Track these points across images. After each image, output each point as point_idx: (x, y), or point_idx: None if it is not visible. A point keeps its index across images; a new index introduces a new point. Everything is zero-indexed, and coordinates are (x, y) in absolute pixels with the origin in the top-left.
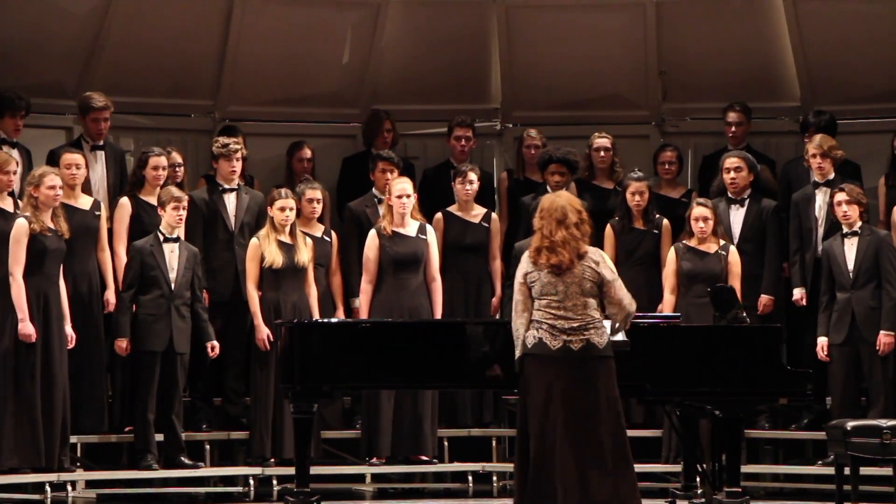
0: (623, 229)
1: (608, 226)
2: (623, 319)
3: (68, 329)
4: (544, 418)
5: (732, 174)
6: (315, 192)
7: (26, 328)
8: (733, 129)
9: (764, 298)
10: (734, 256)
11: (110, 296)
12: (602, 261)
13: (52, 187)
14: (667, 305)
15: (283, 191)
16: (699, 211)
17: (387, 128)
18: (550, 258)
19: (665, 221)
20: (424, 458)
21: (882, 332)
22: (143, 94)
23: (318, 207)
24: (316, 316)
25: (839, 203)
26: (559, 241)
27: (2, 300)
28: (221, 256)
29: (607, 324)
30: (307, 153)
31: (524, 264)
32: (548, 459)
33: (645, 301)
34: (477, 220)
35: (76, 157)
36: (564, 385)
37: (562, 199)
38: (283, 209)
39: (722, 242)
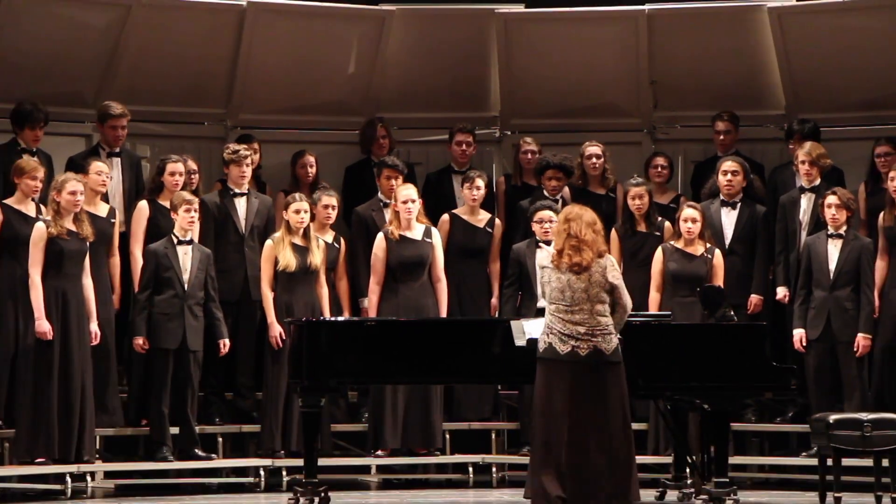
0: (626, 233)
1: (612, 230)
2: (620, 321)
3: (93, 327)
4: (555, 420)
5: (729, 177)
6: (331, 199)
7: (42, 326)
8: (721, 137)
9: (754, 298)
10: (718, 259)
11: (115, 298)
12: (611, 265)
13: (73, 192)
14: (652, 303)
15: (297, 195)
16: (688, 213)
17: (381, 134)
18: (573, 257)
19: (667, 224)
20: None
21: (860, 334)
22: (158, 103)
23: (333, 214)
24: (326, 315)
25: (829, 205)
26: (588, 241)
27: (25, 300)
28: (232, 258)
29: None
30: (310, 160)
31: (543, 262)
32: (577, 460)
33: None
34: (482, 225)
35: (104, 166)
36: (572, 389)
37: (589, 210)
38: (298, 212)
39: (708, 246)
